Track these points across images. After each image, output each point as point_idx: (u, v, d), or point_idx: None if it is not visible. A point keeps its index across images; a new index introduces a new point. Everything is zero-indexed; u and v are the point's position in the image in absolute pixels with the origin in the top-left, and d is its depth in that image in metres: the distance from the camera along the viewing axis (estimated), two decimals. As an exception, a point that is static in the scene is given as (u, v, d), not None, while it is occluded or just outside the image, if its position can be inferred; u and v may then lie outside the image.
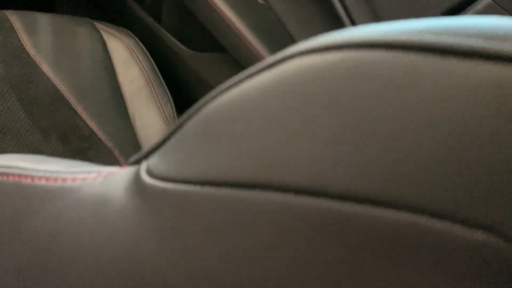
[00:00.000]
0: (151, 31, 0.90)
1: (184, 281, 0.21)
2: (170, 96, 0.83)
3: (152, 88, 0.81)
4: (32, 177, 0.30)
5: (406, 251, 0.16)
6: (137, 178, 0.25)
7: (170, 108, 0.82)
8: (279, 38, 0.77)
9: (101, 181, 0.27)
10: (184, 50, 0.86)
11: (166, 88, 0.82)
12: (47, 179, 0.29)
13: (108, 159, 0.75)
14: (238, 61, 0.81)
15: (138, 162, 0.26)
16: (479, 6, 0.56)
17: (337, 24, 0.74)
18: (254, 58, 0.77)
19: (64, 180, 0.29)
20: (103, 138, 0.75)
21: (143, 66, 0.81)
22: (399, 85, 0.16)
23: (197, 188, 0.21)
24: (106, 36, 0.81)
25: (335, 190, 0.16)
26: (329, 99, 0.16)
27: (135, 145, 0.79)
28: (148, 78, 0.81)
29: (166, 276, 0.21)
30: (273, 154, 0.18)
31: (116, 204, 0.25)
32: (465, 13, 0.64)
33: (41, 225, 0.28)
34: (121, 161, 0.76)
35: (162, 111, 0.81)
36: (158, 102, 0.81)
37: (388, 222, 0.16)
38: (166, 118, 0.81)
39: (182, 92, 0.87)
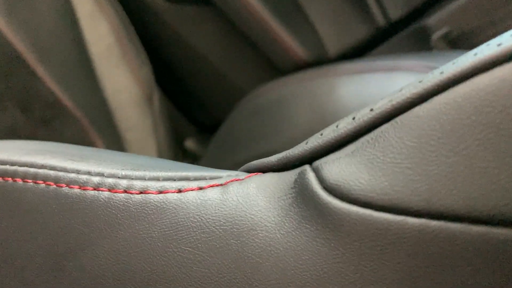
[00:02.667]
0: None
1: None
2: (146, 57, 0.71)
3: (124, 46, 0.69)
4: (82, 185, 0.20)
5: None
6: (305, 196, 0.16)
7: (147, 71, 0.70)
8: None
9: (219, 195, 0.18)
10: (159, 2, 0.74)
11: (141, 47, 0.71)
12: (112, 189, 0.19)
13: (76, 131, 0.63)
14: (224, 16, 0.70)
15: (289, 167, 0.17)
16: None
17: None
18: (244, 11, 0.66)
19: (144, 191, 0.19)
20: (70, 105, 0.63)
21: (112, 20, 0.69)
22: None
23: (457, 226, 0.13)
24: (66, -17, 0.68)
25: None
26: None
27: (107, 114, 0.67)
28: (118, 35, 0.69)
29: None
30: None
31: (268, 234, 0.16)
32: None
33: (108, 262, 0.19)
34: (91, 134, 0.64)
35: (136, 74, 0.69)
36: (131, 63, 0.69)
37: None
38: (142, 83, 0.70)
39: (158, 54, 0.76)
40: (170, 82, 0.77)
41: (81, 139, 0.63)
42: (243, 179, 0.18)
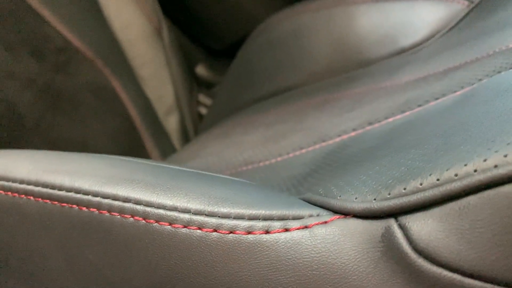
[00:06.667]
0: None
1: None
2: (151, -13, 0.68)
3: (127, -23, 0.66)
4: (172, 222, 0.22)
5: None
6: (394, 253, 0.18)
7: (153, 2, 0.68)
8: None
9: (307, 239, 0.20)
10: None
11: (145, -24, 0.68)
12: (202, 227, 0.21)
13: (92, 73, 0.63)
14: None
15: (372, 217, 0.19)
16: None
17: None
18: None
19: (233, 231, 0.21)
20: (81, 47, 0.62)
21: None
22: None
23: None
24: None
25: None
26: None
27: (119, 53, 0.66)
28: (120, -35, 0.66)
29: None
30: None
31: (361, 283, 0.18)
32: None
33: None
34: (107, 74, 0.64)
35: (143, 6, 0.67)
36: (137, -5, 0.67)
37: None
38: (150, 15, 0.68)
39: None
40: (177, 10, 0.74)
41: (97, 81, 0.63)
42: (327, 222, 0.20)
